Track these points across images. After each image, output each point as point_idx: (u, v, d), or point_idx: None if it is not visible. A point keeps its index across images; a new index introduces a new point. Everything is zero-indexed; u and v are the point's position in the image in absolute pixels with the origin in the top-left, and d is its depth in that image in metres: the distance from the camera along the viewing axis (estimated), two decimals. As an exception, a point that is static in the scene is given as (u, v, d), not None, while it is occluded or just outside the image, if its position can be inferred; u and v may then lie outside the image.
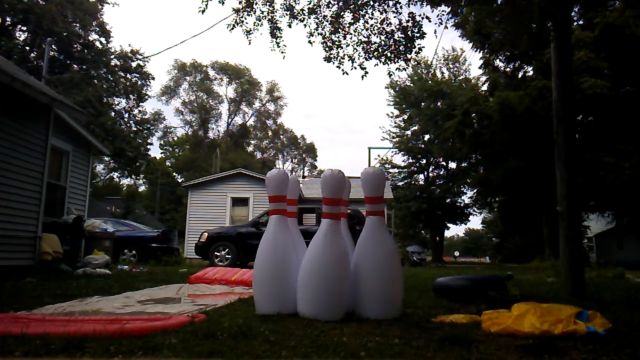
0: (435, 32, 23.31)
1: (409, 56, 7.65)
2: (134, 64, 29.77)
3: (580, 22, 18.86)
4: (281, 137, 60.00)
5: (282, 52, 7.81)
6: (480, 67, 23.32)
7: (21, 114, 7.43)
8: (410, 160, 36.54)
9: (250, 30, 7.50)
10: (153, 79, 33.18)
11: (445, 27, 8.07)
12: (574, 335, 2.75)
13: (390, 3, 7.42)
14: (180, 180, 44.87)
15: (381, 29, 7.56)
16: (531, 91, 18.38)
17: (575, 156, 5.58)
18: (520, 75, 21.61)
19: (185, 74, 53.02)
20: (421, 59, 33.46)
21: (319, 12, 7.48)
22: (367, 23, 7.52)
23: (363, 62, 7.68)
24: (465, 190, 34.94)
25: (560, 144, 5.52)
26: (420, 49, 7.59)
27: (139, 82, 31.34)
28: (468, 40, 20.35)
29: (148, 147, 33.88)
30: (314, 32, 7.57)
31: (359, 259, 3.58)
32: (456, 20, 9.27)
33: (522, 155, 20.48)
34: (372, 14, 7.49)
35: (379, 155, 38.13)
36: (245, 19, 7.45)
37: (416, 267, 17.32)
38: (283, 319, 3.26)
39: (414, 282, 6.90)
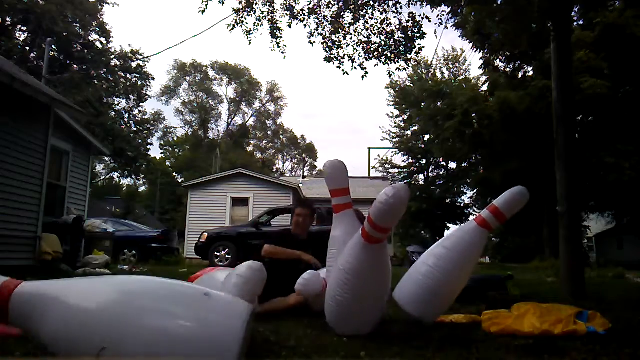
0: (435, 32, 23.38)
1: (409, 56, 7.66)
2: (134, 64, 29.72)
3: (580, 22, 18.84)
4: (281, 137, 59.97)
5: (282, 52, 7.83)
6: (480, 67, 23.30)
7: (21, 114, 7.43)
8: (410, 160, 36.54)
9: (250, 31, 7.52)
10: (153, 79, 33.16)
11: (445, 27, 8.10)
12: (574, 335, 2.75)
13: (390, 3, 7.43)
14: (180, 180, 44.79)
15: (381, 29, 7.57)
16: (531, 91, 18.38)
17: (575, 156, 5.57)
18: (520, 75, 21.59)
19: (185, 74, 52.95)
20: (421, 59, 33.37)
21: (319, 12, 7.50)
22: (367, 23, 7.54)
23: (363, 62, 7.71)
24: (465, 190, 34.94)
25: (560, 144, 5.52)
26: (420, 49, 7.60)
27: (139, 82, 31.31)
28: (468, 40, 20.26)
29: (148, 147, 33.87)
30: (314, 32, 7.59)
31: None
32: (456, 20, 9.27)
33: (522, 155, 20.47)
34: (372, 14, 7.51)
35: (379, 155, 38.10)
36: (245, 19, 7.47)
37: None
38: (283, 319, 3.26)
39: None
